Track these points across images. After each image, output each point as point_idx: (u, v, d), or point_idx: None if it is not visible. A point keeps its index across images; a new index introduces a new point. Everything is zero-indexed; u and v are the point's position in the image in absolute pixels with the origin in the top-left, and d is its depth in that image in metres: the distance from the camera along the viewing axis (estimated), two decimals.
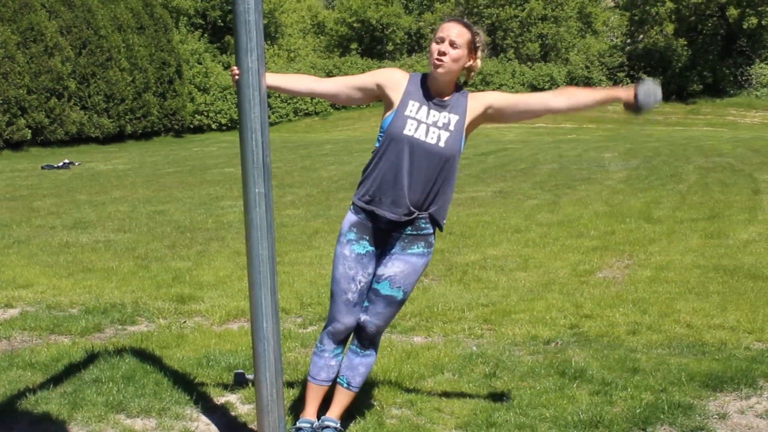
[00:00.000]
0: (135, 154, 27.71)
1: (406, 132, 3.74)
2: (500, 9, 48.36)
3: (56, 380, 4.85)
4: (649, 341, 5.68)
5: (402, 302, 3.94)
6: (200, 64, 41.10)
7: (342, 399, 4.04)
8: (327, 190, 14.96)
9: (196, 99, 39.51)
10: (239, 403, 4.54)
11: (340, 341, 4.00)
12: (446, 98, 3.81)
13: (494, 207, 12.83)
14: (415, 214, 3.79)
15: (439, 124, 3.76)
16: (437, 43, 3.74)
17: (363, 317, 3.93)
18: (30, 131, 29.69)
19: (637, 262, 8.51)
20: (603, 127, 36.63)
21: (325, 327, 4.01)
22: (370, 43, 50.68)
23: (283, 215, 12.22)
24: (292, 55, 50.14)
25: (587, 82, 43.44)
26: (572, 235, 10.14)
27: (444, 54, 3.70)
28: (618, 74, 42.74)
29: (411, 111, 3.77)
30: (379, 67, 4.08)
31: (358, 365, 3.99)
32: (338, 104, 4.39)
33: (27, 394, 4.61)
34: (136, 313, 6.63)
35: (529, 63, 47.01)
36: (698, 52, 43.22)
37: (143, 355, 5.30)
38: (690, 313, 6.38)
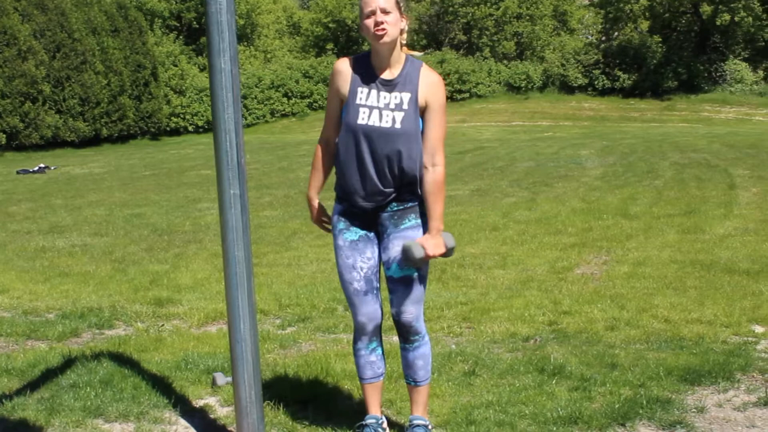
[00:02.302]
0: (111, 157, 27.54)
1: (359, 122, 3.68)
2: (475, 8, 48.37)
3: (33, 386, 4.81)
4: (627, 336, 5.70)
5: (421, 279, 3.85)
6: (176, 66, 40.87)
7: (418, 397, 3.99)
8: (305, 191, 14.80)
9: (172, 101, 39.28)
10: (218, 406, 4.52)
11: (369, 335, 3.95)
12: (395, 75, 3.71)
13: (472, 205, 12.84)
14: (392, 195, 3.75)
15: (392, 105, 3.68)
16: (368, 17, 3.63)
17: (393, 310, 3.86)
18: (4, 136, 29.45)
19: (615, 258, 8.55)
20: (579, 125, 36.75)
21: (354, 326, 3.97)
22: (345, 43, 50.59)
23: (261, 216, 12.19)
24: (268, 56, 50.01)
25: (563, 80, 43.56)
26: (550, 232, 10.18)
27: (381, 23, 3.60)
28: (593, 71, 42.87)
29: (361, 98, 3.70)
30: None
31: (413, 360, 3.93)
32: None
33: (3, 400, 4.57)
34: (113, 317, 6.59)
35: (505, 61, 47.05)
36: (672, 49, 43.41)
37: (121, 359, 5.26)
38: (667, 308, 6.41)
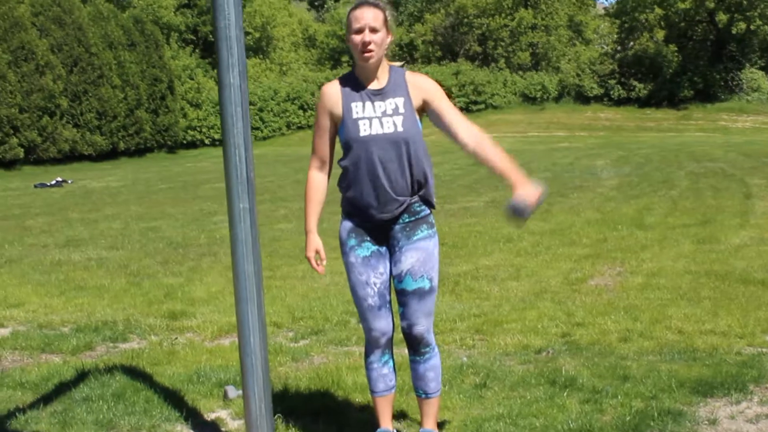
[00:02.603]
0: (128, 171, 27.71)
1: (362, 134, 3.70)
2: (490, 19, 48.49)
3: (46, 399, 4.84)
4: (640, 348, 5.68)
5: (432, 291, 3.83)
6: (192, 79, 41.14)
7: (428, 409, 4.00)
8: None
9: (188, 114, 39.51)
10: (229, 419, 4.53)
11: (382, 348, 3.95)
12: (383, 85, 3.75)
13: (487, 217, 12.83)
14: (406, 203, 3.75)
15: (388, 111, 3.71)
16: (357, 33, 3.65)
17: (404, 323, 3.87)
18: (22, 150, 29.71)
19: (629, 269, 8.52)
20: (595, 135, 36.70)
21: (365, 340, 3.98)
22: None
23: (276, 229, 12.23)
24: (284, 68, 50.21)
25: (579, 90, 43.53)
26: (564, 243, 10.15)
27: (369, 43, 3.63)
28: (609, 81, 42.83)
29: (357, 112, 3.73)
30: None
31: (424, 372, 3.93)
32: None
33: (17, 414, 4.60)
34: (127, 330, 6.62)
35: (520, 72, 47.11)
36: (688, 58, 43.34)
37: (134, 373, 5.29)
38: (681, 319, 6.38)
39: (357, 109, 3.74)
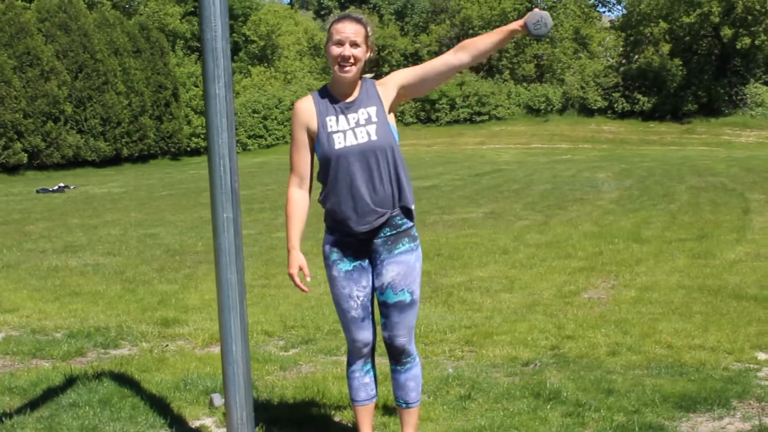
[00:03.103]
0: (131, 177, 27.78)
1: (337, 147, 3.73)
2: None
3: (33, 405, 4.86)
4: (628, 362, 5.69)
5: (414, 303, 3.87)
6: (197, 86, 41.23)
7: (408, 419, 4.02)
8: (319, 212, 14.85)
9: (192, 122, 39.60)
10: (214, 427, 4.55)
11: (364, 358, 3.99)
12: (354, 96, 3.80)
13: (484, 228, 12.85)
14: (387, 215, 3.78)
15: (361, 122, 3.75)
16: (337, 46, 3.70)
17: (385, 334, 3.90)
18: (26, 155, 29.82)
19: (623, 283, 8.53)
20: (598, 147, 36.73)
21: (348, 350, 4.01)
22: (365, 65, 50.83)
23: (274, 238, 12.26)
24: (288, 77, 50.31)
25: (583, 103, 43.58)
26: (560, 256, 10.17)
27: (349, 57, 3.69)
28: (613, 94, 42.86)
29: (332, 126, 3.76)
30: None
31: (405, 382, 3.96)
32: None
33: (3, 418, 4.63)
34: (119, 336, 6.65)
35: (524, 84, 47.18)
36: (693, 72, 43.36)
37: (122, 379, 5.32)
38: (671, 333, 6.39)
39: (331, 123, 3.78)
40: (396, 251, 3.82)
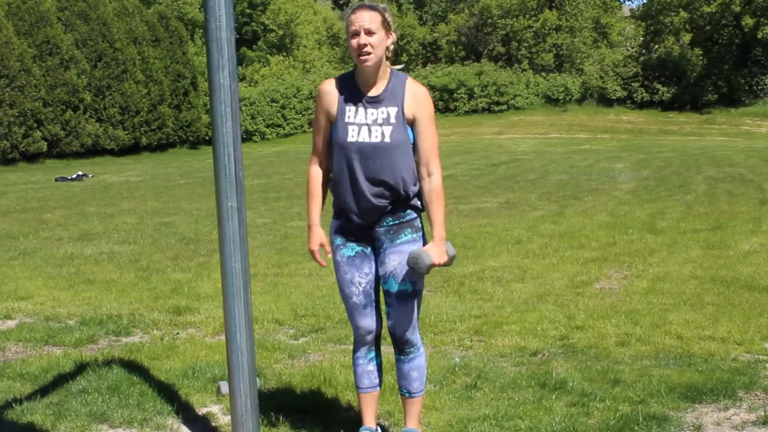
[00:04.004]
0: (149, 165, 27.90)
1: (350, 139, 3.74)
2: (514, 20, 48.33)
3: (44, 391, 4.92)
4: (636, 353, 5.69)
5: (416, 293, 3.89)
6: None
7: (411, 408, 4.05)
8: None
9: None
10: (221, 414, 4.59)
11: (368, 345, 4.02)
12: (380, 91, 3.77)
13: (499, 218, 12.85)
14: (387, 209, 3.80)
15: (379, 120, 3.73)
16: (354, 37, 3.68)
17: (389, 323, 3.92)
18: (46, 143, 29.98)
19: (635, 273, 8.52)
20: (617, 138, 36.54)
21: (353, 337, 4.05)
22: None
23: (288, 227, 12.31)
24: (307, 66, 50.29)
25: (602, 93, 43.32)
26: (573, 246, 10.16)
27: (365, 45, 3.66)
28: (632, 84, 42.59)
29: (350, 117, 3.76)
30: None
31: (408, 372, 3.99)
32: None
33: (14, 404, 4.68)
34: (131, 324, 6.70)
35: (543, 73, 46.95)
36: (713, 62, 42.99)
37: (132, 366, 5.36)
38: (682, 324, 6.37)
39: (350, 113, 3.78)
40: (398, 241, 3.84)
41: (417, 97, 3.78)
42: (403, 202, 3.81)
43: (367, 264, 3.91)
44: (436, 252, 3.78)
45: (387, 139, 3.72)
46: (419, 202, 3.87)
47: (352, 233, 3.89)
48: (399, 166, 3.74)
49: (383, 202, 3.77)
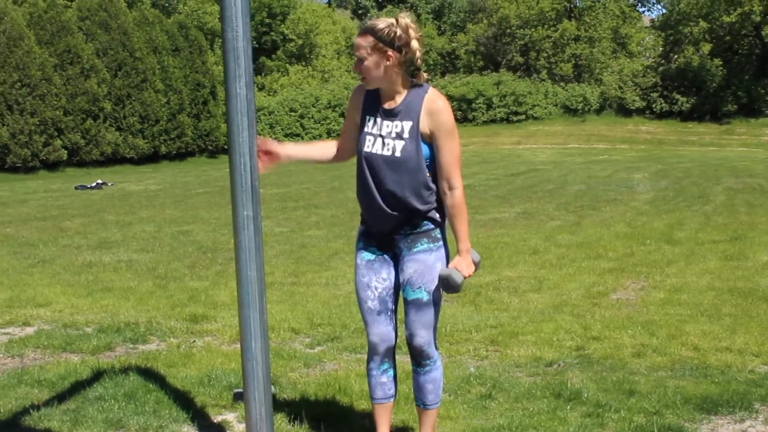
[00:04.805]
0: (168, 174, 28.04)
1: (365, 149, 3.79)
2: (533, 30, 48.39)
3: (61, 397, 4.95)
4: (652, 364, 5.67)
5: (431, 303, 3.87)
6: None
7: (426, 419, 4.05)
8: (352, 211, 15.03)
9: None
10: (236, 422, 4.61)
11: (381, 356, 4.01)
12: (397, 104, 3.77)
13: (516, 228, 12.84)
14: (403, 219, 3.81)
15: (393, 134, 3.74)
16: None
17: (406, 333, 3.93)
18: (66, 152, 30.22)
19: (652, 284, 8.50)
20: (636, 148, 36.45)
21: (368, 346, 4.05)
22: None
23: (305, 236, 12.34)
24: (326, 75, 50.46)
25: (620, 103, 43.24)
26: (590, 256, 10.13)
27: (360, 71, 3.74)
28: (652, 94, 42.49)
29: (368, 127, 3.81)
30: None
31: (423, 384, 3.99)
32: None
33: (31, 410, 4.72)
34: (148, 332, 6.73)
35: (562, 84, 46.93)
36: (733, 72, 42.86)
37: (148, 374, 5.39)
38: (698, 335, 6.35)
39: (369, 123, 3.83)
40: (415, 249, 3.85)
41: (433, 113, 3.73)
42: (418, 214, 3.82)
43: (385, 269, 3.93)
44: (463, 265, 3.81)
45: (397, 154, 3.73)
46: (437, 215, 3.87)
47: (374, 238, 3.94)
48: (407, 183, 3.74)
49: (395, 212, 3.79)
